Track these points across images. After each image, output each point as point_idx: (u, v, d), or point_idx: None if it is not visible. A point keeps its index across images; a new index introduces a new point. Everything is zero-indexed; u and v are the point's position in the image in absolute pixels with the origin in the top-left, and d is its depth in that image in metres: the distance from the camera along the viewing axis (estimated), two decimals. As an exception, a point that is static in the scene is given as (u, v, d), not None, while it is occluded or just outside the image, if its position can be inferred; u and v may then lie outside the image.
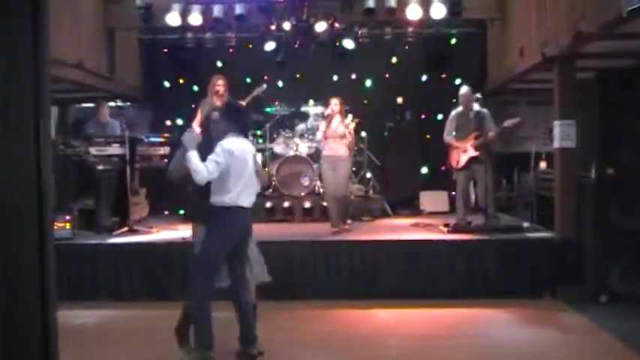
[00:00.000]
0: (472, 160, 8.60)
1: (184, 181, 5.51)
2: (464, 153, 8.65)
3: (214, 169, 5.18)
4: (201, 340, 5.38)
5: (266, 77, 10.86)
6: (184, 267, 7.87)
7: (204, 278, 5.36)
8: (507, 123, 8.52)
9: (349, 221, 9.15)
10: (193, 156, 5.18)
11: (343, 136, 8.70)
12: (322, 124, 8.99)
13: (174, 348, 5.89)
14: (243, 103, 8.47)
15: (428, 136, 11.43)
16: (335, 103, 8.86)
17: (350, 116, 9.04)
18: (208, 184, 5.33)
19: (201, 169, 5.15)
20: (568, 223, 7.88)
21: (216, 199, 5.35)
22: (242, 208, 5.41)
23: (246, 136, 5.76)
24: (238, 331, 5.58)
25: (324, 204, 9.80)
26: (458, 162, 8.74)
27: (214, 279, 5.41)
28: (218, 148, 5.28)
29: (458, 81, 11.02)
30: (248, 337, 5.57)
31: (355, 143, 9.63)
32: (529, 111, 11.37)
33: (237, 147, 5.37)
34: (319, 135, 8.96)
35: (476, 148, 8.57)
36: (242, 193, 5.39)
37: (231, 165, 5.29)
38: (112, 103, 11.04)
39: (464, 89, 8.91)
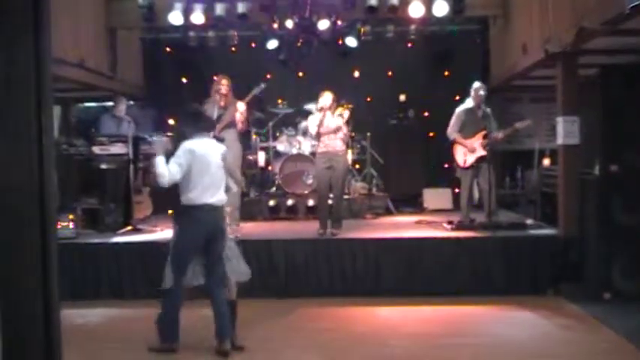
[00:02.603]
0: (479, 159, 8.52)
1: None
2: (472, 152, 8.52)
3: (177, 171, 5.49)
4: (166, 332, 5.72)
5: (268, 76, 10.86)
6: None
7: (175, 273, 5.62)
8: (519, 125, 8.48)
9: (338, 229, 8.47)
10: (160, 161, 5.51)
11: (338, 130, 8.35)
12: (314, 119, 8.53)
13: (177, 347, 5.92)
14: (243, 102, 8.49)
15: (431, 134, 11.41)
16: (327, 96, 8.43)
17: (339, 109, 8.76)
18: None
19: (164, 172, 5.46)
20: (571, 220, 7.87)
21: (183, 197, 5.63)
22: (209, 205, 5.64)
23: (211, 136, 6.07)
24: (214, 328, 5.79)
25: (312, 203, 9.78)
26: (465, 161, 8.60)
27: (184, 276, 5.65)
28: (179, 150, 5.59)
29: (461, 78, 11.01)
30: (222, 333, 5.75)
31: (350, 133, 9.38)
32: (532, 108, 11.36)
33: (199, 146, 5.65)
34: (313, 131, 8.49)
35: (484, 148, 8.49)
36: (207, 190, 5.62)
37: (192, 163, 5.55)
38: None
39: (477, 84, 8.66)
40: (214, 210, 5.69)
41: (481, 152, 8.47)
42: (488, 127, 8.49)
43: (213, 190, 5.67)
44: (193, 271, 5.75)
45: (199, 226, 5.63)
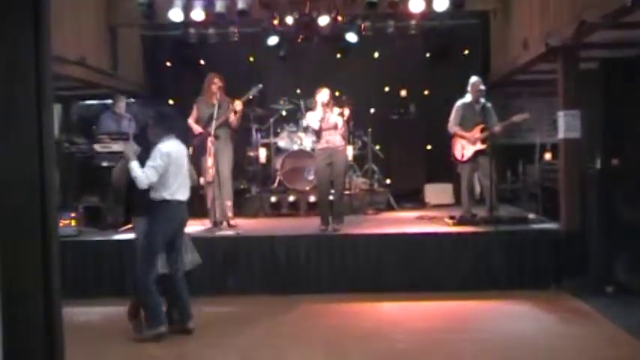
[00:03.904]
0: (477, 153, 8.54)
1: (126, 184, 6.18)
2: (470, 146, 8.57)
3: (153, 174, 5.89)
4: (153, 320, 6.03)
5: (267, 75, 10.86)
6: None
7: (148, 265, 5.99)
8: (516, 118, 8.47)
9: (340, 225, 8.46)
10: (134, 166, 5.89)
11: (337, 126, 8.36)
12: (313, 115, 8.49)
13: (179, 343, 5.96)
14: (240, 102, 8.58)
15: (432, 129, 11.40)
16: (325, 92, 8.44)
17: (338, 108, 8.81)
18: None
19: (142, 176, 5.87)
20: (573, 214, 7.86)
21: (156, 195, 6.00)
22: (180, 201, 6.13)
23: (179, 138, 6.33)
24: (175, 312, 6.31)
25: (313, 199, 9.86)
26: (463, 155, 8.64)
27: (157, 265, 6.01)
28: (156, 153, 5.93)
29: (461, 73, 10.99)
30: (186, 313, 6.23)
31: (348, 131, 9.41)
32: (533, 102, 11.33)
33: (174, 149, 6.09)
34: (316, 126, 8.44)
35: (482, 142, 8.50)
36: (179, 189, 6.12)
37: (169, 165, 5.97)
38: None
39: (474, 79, 8.72)
40: (182, 205, 6.19)
41: (479, 146, 8.49)
42: (489, 121, 8.51)
43: (183, 188, 6.18)
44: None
45: (171, 220, 6.07)
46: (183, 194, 6.15)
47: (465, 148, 8.60)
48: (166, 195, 5.99)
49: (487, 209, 8.51)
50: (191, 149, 9.02)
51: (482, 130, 8.49)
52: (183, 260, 6.34)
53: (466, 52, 11.62)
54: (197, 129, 8.71)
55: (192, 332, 6.19)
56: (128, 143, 6.25)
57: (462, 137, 8.63)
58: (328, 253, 7.95)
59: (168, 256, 6.16)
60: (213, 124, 8.43)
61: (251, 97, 9.02)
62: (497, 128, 8.50)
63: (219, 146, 8.55)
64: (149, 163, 5.90)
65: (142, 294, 6.04)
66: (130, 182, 6.04)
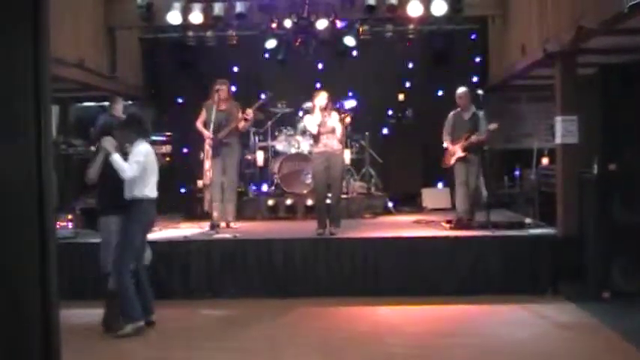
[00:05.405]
0: (461, 160, 8.64)
1: (98, 180, 6.45)
2: (452, 155, 8.73)
3: (137, 169, 6.19)
4: (130, 314, 6.21)
5: (269, 81, 10.89)
6: (186, 265, 7.90)
7: (126, 261, 6.23)
8: (490, 127, 8.55)
9: (337, 228, 8.41)
10: (117, 158, 6.17)
11: (334, 130, 8.38)
12: (311, 119, 8.45)
13: (176, 345, 5.95)
14: (250, 110, 8.75)
15: (429, 133, 11.40)
16: (323, 96, 8.43)
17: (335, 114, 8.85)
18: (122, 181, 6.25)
19: (127, 168, 6.15)
20: (570, 219, 7.87)
21: (136, 192, 6.26)
22: (154, 199, 6.47)
23: (147, 141, 6.61)
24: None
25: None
26: (450, 161, 8.82)
27: (132, 260, 6.29)
28: (137, 151, 6.24)
29: (459, 78, 11.01)
30: (148, 307, 6.45)
31: (346, 136, 9.46)
32: (531, 107, 11.35)
33: (148, 149, 6.45)
34: (314, 130, 8.40)
35: (464, 150, 8.60)
36: (154, 188, 6.47)
37: (147, 163, 6.33)
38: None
39: (461, 90, 8.84)
40: (154, 203, 6.51)
41: (459, 154, 8.65)
42: (479, 129, 8.56)
43: (155, 187, 6.51)
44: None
45: (147, 217, 6.43)
46: (154, 192, 6.48)
47: (450, 157, 8.80)
48: (146, 191, 6.31)
49: (483, 214, 8.53)
50: (202, 154, 9.14)
51: (466, 139, 8.58)
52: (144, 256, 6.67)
53: (464, 56, 11.62)
54: (207, 134, 8.80)
55: (155, 325, 6.44)
56: (109, 138, 6.34)
57: (447, 149, 8.84)
58: (325, 257, 7.95)
59: (137, 252, 6.40)
60: (211, 127, 8.55)
61: (263, 103, 9.23)
62: (474, 137, 8.55)
63: (228, 152, 8.87)
64: (132, 159, 6.20)
65: (121, 288, 6.20)
66: (102, 182, 6.36)
